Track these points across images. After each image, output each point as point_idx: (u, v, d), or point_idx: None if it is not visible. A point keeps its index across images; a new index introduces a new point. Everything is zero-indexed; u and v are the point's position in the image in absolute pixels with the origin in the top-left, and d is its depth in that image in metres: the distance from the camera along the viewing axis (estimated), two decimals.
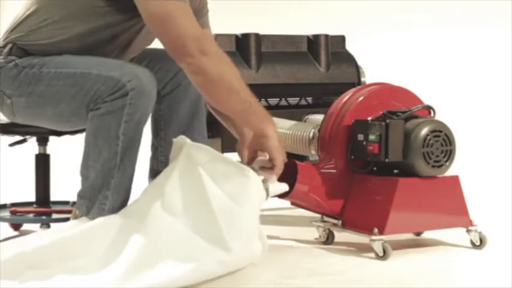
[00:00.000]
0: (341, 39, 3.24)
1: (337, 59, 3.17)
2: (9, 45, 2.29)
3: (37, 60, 2.25)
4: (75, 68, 2.20)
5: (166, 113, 2.46)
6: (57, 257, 2.03)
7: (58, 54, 2.25)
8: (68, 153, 3.23)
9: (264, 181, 2.22)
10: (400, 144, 2.43)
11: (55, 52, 2.25)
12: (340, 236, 2.58)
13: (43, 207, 2.77)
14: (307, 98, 3.16)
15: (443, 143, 2.46)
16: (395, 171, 2.49)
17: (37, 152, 2.76)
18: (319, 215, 2.61)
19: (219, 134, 2.82)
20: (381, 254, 2.37)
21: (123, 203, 2.20)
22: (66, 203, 2.87)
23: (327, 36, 3.15)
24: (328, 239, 2.60)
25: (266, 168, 2.25)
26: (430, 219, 2.48)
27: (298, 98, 3.13)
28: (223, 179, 2.14)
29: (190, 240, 2.07)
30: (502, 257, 2.44)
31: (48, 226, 2.67)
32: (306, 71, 3.10)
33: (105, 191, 2.17)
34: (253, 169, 2.22)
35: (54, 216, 2.74)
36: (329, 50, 3.15)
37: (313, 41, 3.15)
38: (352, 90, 2.62)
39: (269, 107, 2.97)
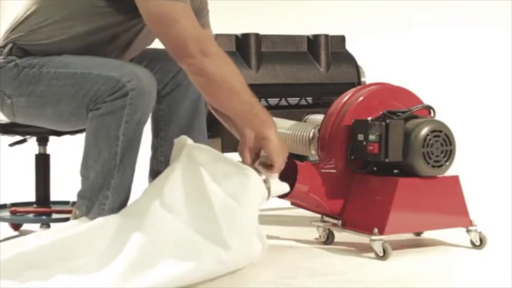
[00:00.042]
0: (341, 39, 3.24)
1: (337, 59, 3.17)
2: (10, 45, 2.29)
3: (37, 60, 2.25)
4: (75, 68, 2.20)
5: (166, 113, 2.46)
6: (57, 257, 2.03)
7: (58, 54, 2.25)
8: (68, 153, 3.23)
9: (266, 181, 2.22)
10: (400, 144, 2.43)
11: (55, 52, 2.25)
12: (340, 236, 2.58)
13: (43, 207, 2.77)
14: (307, 98, 3.16)
15: (443, 143, 2.46)
16: (395, 171, 2.49)
17: (37, 152, 2.76)
18: (319, 215, 2.61)
19: (219, 134, 2.82)
20: (381, 254, 2.37)
21: (123, 203, 2.20)
22: (66, 203, 2.87)
23: (327, 36, 3.15)
24: (328, 239, 2.60)
25: (268, 168, 2.25)
26: (430, 219, 2.48)
27: (298, 98, 3.13)
28: (224, 179, 2.14)
29: (190, 239, 2.07)
30: (502, 257, 2.44)
31: (48, 226, 2.67)
32: (306, 71, 3.10)
33: (105, 191, 2.17)
34: (256, 169, 2.23)
35: (54, 216, 2.74)
36: (329, 50, 3.15)
37: (313, 41, 3.15)
38: (352, 90, 2.62)
39: (269, 107, 2.97)
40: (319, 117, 2.76)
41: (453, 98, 5.11)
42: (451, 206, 2.50)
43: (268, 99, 3.06)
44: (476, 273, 2.32)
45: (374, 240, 2.38)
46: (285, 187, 2.35)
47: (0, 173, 4.01)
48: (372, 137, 2.41)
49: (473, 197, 2.66)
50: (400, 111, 2.49)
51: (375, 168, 2.51)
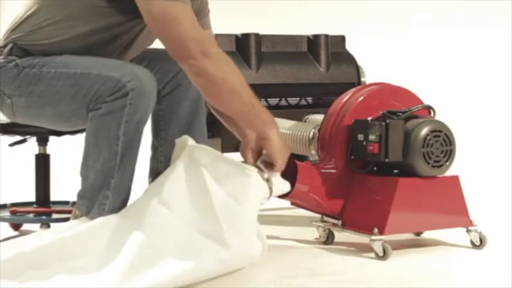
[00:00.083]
0: (341, 39, 3.24)
1: (337, 59, 3.17)
2: (10, 45, 2.29)
3: (37, 60, 2.25)
4: (75, 68, 2.20)
5: (166, 113, 2.45)
6: (57, 257, 2.03)
7: (59, 54, 2.25)
8: (68, 153, 3.23)
9: (268, 180, 2.23)
10: (400, 144, 2.43)
11: (56, 52, 2.25)
12: (340, 236, 2.58)
13: (43, 207, 2.77)
14: (307, 98, 3.16)
15: (443, 143, 2.46)
16: (395, 171, 2.49)
17: (37, 152, 2.76)
18: (319, 215, 2.61)
19: (219, 134, 2.82)
20: (381, 254, 2.37)
21: (123, 203, 2.20)
22: (66, 203, 2.87)
23: (327, 36, 3.15)
24: (328, 239, 2.60)
25: (269, 167, 2.25)
26: (430, 219, 2.48)
27: (298, 98, 3.13)
28: (225, 179, 2.15)
29: (190, 239, 2.08)
30: (502, 257, 2.44)
31: (48, 226, 2.67)
32: (306, 71, 3.10)
33: (105, 191, 2.17)
34: (258, 167, 2.23)
35: (54, 216, 2.74)
36: (329, 50, 3.15)
37: (313, 41, 3.15)
38: (352, 90, 2.62)
39: (269, 107, 2.96)
40: (319, 117, 2.76)
41: (453, 98, 5.11)
42: (451, 206, 2.50)
43: (268, 99, 3.06)
44: (476, 273, 2.32)
45: (374, 240, 2.38)
46: (286, 186, 2.35)
47: (0, 173, 4.01)
48: (372, 137, 2.41)
49: (473, 197, 2.66)
50: (400, 111, 2.49)
51: (375, 168, 2.51)
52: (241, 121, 2.29)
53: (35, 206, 2.79)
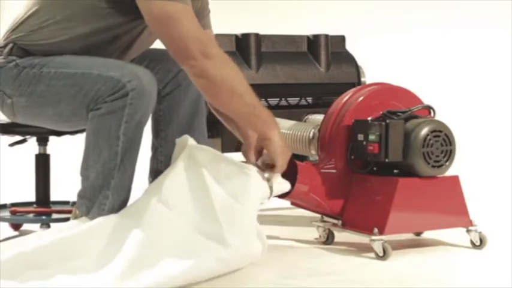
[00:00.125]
0: (341, 39, 3.24)
1: (337, 59, 3.17)
2: (10, 45, 2.29)
3: (38, 60, 2.25)
4: (75, 68, 2.20)
5: (166, 113, 2.45)
6: (57, 257, 2.03)
7: (59, 54, 2.25)
8: (68, 153, 3.23)
9: (269, 179, 2.23)
10: (400, 144, 2.43)
11: (56, 52, 2.25)
12: (340, 236, 2.58)
13: (43, 207, 2.77)
14: (307, 98, 3.16)
15: (443, 143, 2.46)
16: (395, 171, 2.49)
17: (37, 152, 2.76)
18: (319, 215, 2.61)
19: (219, 134, 2.82)
20: (381, 254, 2.37)
21: (123, 203, 2.20)
22: (66, 203, 2.87)
23: (327, 36, 3.15)
24: (328, 239, 2.60)
25: (270, 168, 2.25)
26: (430, 219, 2.48)
27: (298, 98, 3.13)
28: (225, 179, 2.15)
29: (190, 238, 2.08)
30: (502, 257, 2.44)
31: (48, 226, 2.67)
32: (306, 71, 3.10)
33: (105, 191, 2.17)
34: (258, 167, 2.23)
35: (54, 216, 2.74)
36: (329, 50, 3.15)
37: (313, 41, 3.15)
38: (352, 90, 2.62)
39: (269, 107, 2.96)
40: (319, 117, 2.76)
41: (453, 98, 5.11)
42: (451, 206, 2.50)
43: (268, 99, 3.06)
44: (476, 273, 2.32)
45: (374, 240, 2.38)
46: (286, 186, 2.35)
47: (0, 173, 4.01)
48: (372, 137, 2.41)
49: (473, 197, 2.66)
50: (400, 111, 2.49)
51: (375, 168, 2.51)
52: (243, 122, 2.29)
53: (35, 206, 2.79)
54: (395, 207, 2.39)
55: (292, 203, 2.59)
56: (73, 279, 1.98)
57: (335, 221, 2.55)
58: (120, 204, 2.19)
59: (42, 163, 2.77)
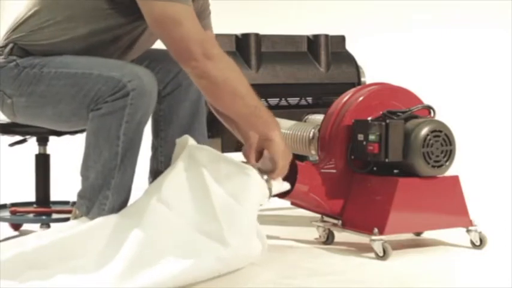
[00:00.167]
0: (341, 39, 3.24)
1: (337, 59, 3.17)
2: (10, 45, 2.29)
3: (38, 60, 2.25)
4: (75, 68, 2.20)
5: (166, 113, 2.45)
6: (57, 257, 2.03)
7: (59, 54, 2.25)
8: (68, 153, 3.23)
9: (268, 180, 2.23)
10: (400, 144, 2.43)
11: (56, 52, 2.25)
12: (340, 236, 2.59)
13: (43, 207, 2.77)
14: (307, 98, 3.16)
15: (443, 143, 2.46)
16: (395, 171, 2.49)
17: (37, 152, 2.77)
18: (319, 215, 2.61)
19: (219, 134, 2.82)
20: (381, 254, 2.37)
21: (123, 203, 2.20)
22: (66, 203, 2.87)
23: (327, 36, 3.15)
24: (328, 239, 2.60)
25: (270, 172, 2.25)
26: (430, 219, 2.48)
27: (298, 98, 3.13)
28: (225, 179, 2.15)
29: (190, 238, 2.08)
30: (502, 257, 2.44)
31: (48, 226, 2.67)
32: (306, 71, 3.10)
33: (106, 191, 2.17)
34: (258, 168, 2.23)
35: (54, 216, 2.74)
36: (329, 50, 3.15)
37: (313, 41, 3.15)
38: (352, 90, 2.62)
39: (269, 107, 2.97)
40: (319, 117, 2.76)
41: (453, 98, 5.11)
42: (451, 206, 2.50)
43: (268, 99, 3.06)
44: (476, 273, 2.32)
45: (374, 240, 2.38)
46: (286, 185, 2.35)
47: (0, 173, 4.01)
48: (372, 137, 2.41)
49: (473, 197, 2.66)
50: (400, 111, 2.49)
51: (375, 168, 2.51)
52: (244, 123, 2.29)
53: (35, 206, 2.79)
54: (395, 207, 2.39)
55: (292, 203, 2.59)
56: (73, 279, 1.98)
57: (335, 221, 2.55)
58: (120, 204, 2.19)
59: (42, 163, 2.77)
